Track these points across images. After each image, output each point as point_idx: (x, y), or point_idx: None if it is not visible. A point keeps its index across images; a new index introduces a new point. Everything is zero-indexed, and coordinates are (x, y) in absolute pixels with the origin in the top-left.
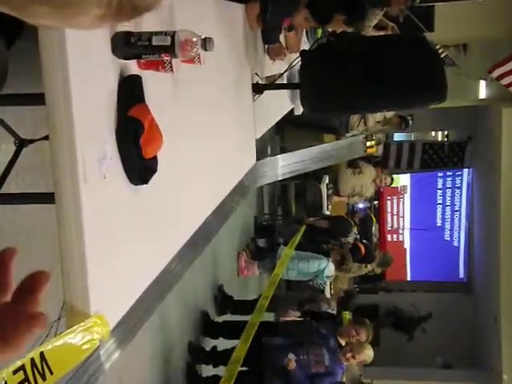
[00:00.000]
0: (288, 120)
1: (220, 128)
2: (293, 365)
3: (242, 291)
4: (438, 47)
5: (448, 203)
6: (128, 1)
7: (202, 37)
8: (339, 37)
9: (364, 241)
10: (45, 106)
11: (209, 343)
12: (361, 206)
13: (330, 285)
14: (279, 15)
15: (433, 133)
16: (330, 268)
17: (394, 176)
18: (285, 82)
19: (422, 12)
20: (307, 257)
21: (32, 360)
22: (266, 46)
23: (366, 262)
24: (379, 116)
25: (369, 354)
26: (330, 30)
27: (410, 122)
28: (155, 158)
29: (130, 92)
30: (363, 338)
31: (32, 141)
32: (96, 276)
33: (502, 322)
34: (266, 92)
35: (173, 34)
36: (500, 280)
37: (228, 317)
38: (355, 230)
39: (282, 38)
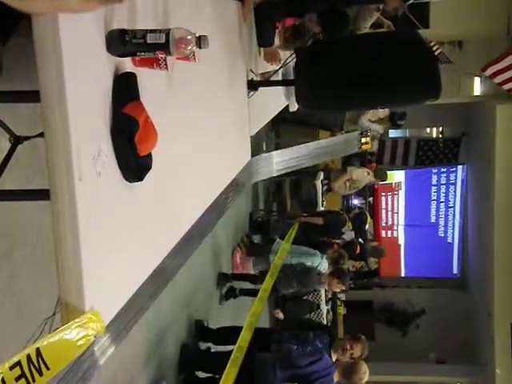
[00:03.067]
0: (283, 117)
1: (215, 125)
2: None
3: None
4: (432, 44)
5: (442, 200)
6: None
7: (197, 34)
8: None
9: (360, 240)
10: (40, 103)
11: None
12: (356, 202)
13: None
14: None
15: (427, 129)
16: (323, 265)
17: (389, 172)
18: (280, 78)
19: (417, 9)
20: (301, 253)
21: (28, 356)
22: (262, 48)
23: (360, 259)
24: (371, 115)
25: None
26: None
27: (402, 123)
28: (150, 155)
29: (124, 89)
30: (357, 353)
31: (27, 138)
32: (91, 272)
33: (495, 317)
34: (260, 89)
35: (167, 32)
36: (493, 276)
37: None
38: (349, 224)
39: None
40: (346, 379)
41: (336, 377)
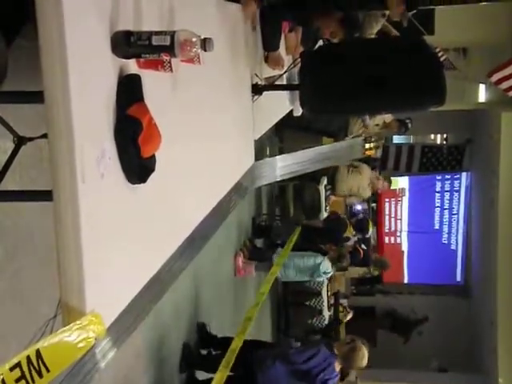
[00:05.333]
0: (287, 123)
1: (219, 128)
2: None
3: (239, 291)
4: (437, 50)
5: (446, 206)
6: None
7: (202, 37)
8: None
9: (362, 246)
10: (44, 103)
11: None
12: (359, 207)
13: (327, 286)
14: None
15: (432, 136)
16: (326, 263)
17: (393, 178)
18: (284, 82)
19: (422, 15)
20: (302, 254)
21: (28, 357)
22: (266, 52)
23: (364, 265)
24: (378, 119)
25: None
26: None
27: (409, 125)
28: (153, 157)
29: (128, 91)
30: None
31: (31, 139)
32: (92, 274)
33: (499, 325)
34: (265, 93)
35: (172, 34)
36: (497, 284)
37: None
38: (351, 230)
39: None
40: (348, 366)
41: (337, 366)
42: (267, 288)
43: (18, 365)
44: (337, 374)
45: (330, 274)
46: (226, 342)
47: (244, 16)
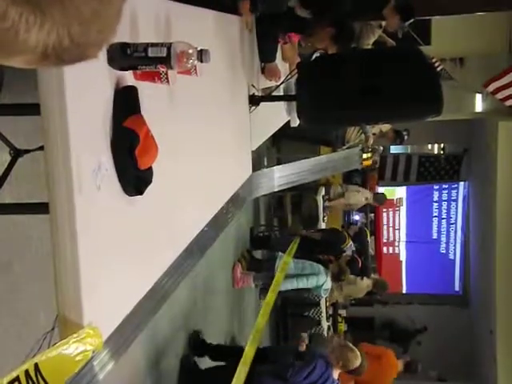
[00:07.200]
0: (285, 133)
1: (216, 139)
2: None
3: (237, 303)
4: (434, 60)
5: (444, 216)
6: (53, 52)
7: (198, 48)
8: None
9: (361, 256)
10: (40, 116)
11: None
12: (357, 218)
13: (325, 297)
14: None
15: (429, 146)
16: (328, 282)
17: (390, 188)
18: (281, 93)
19: (418, 25)
20: (305, 271)
21: (27, 371)
22: (263, 64)
23: (363, 274)
24: (375, 128)
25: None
26: (319, 47)
27: (406, 137)
28: (150, 168)
29: (125, 103)
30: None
31: (27, 151)
32: (90, 287)
33: (498, 335)
34: (262, 104)
35: (169, 46)
36: (496, 293)
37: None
38: (350, 242)
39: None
40: (343, 365)
41: (336, 374)
42: (273, 297)
43: (17, 379)
44: (337, 383)
45: (329, 291)
46: (220, 350)
47: (241, 23)
